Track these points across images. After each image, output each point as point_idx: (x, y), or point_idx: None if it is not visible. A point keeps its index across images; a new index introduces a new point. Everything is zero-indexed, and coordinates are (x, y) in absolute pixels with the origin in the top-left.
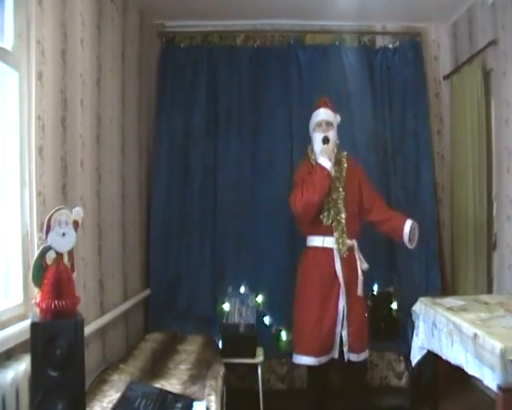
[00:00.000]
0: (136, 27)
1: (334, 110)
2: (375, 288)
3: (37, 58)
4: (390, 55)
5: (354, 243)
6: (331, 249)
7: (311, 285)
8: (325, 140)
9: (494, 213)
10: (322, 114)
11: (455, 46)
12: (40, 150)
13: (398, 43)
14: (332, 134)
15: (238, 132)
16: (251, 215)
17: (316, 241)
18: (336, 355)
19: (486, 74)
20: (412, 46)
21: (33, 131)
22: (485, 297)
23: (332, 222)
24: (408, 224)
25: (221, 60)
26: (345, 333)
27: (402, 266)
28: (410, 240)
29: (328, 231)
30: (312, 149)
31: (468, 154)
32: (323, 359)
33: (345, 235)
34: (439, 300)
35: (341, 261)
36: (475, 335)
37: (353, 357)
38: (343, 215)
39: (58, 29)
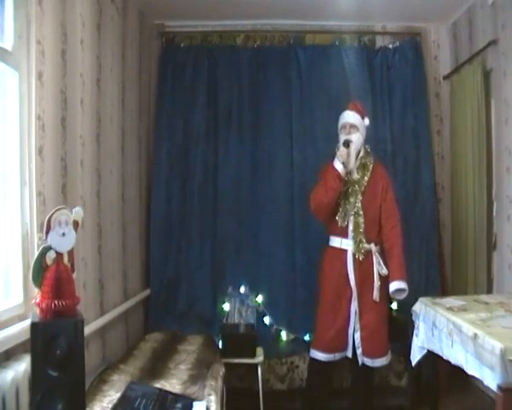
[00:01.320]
0: (136, 27)
1: (363, 114)
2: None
3: (37, 58)
4: (390, 55)
5: (372, 246)
6: (346, 251)
7: (327, 284)
8: (345, 143)
9: (494, 213)
10: (347, 116)
11: (455, 46)
12: (40, 150)
13: (398, 43)
14: (355, 137)
15: (238, 132)
16: (251, 215)
17: (332, 241)
18: (350, 354)
19: (486, 74)
20: (412, 46)
21: (33, 131)
22: (485, 297)
23: (348, 224)
24: (394, 286)
25: (221, 60)
26: (357, 336)
27: None
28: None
29: (343, 233)
30: (337, 150)
31: (468, 154)
32: (336, 356)
33: (364, 239)
34: (439, 300)
35: (355, 264)
36: (475, 335)
37: (368, 362)
38: (362, 219)
39: (58, 29)
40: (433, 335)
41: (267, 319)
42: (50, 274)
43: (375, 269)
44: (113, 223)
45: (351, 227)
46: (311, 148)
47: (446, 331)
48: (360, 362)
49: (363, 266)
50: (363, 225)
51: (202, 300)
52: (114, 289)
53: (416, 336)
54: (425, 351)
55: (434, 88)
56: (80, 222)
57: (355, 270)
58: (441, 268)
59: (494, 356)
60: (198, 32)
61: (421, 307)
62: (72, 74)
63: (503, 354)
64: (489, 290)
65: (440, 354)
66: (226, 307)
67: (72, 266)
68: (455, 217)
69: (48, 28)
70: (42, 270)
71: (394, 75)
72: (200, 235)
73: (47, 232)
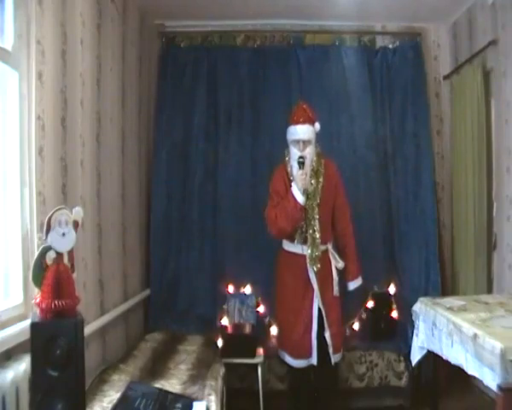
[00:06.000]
0: (136, 27)
1: (313, 120)
2: (375, 288)
3: (37, 58)
4: (390, 55)
5: (328, 246)
6: (304, 255)
7: (285, 288)
8: (300, 164)
9: (494, 213)
10: (301, 133)
11: (455, 46)
12: (40, 150)
13: (398, 43)
14: (309, 151)
15: (238, 132)
16: (251, 215)
17: (289, 246)
18: (315, 362)
19: (486, 74)
20: (412, 46)
21: (33, 131)
22: (485, 297)
23: (305, 239)
24: (352, 285)
25: (221, 60)
26: (328, 335)
27: (402, 266)
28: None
29: (301, 241)
30: (289, 157)
31: (468, 154)
32: (301, 363)
33: (319, 252)
34: (439, 300)
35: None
36: (475, 335)
37: (336, 358)
38: (318, 235)
39: (58, 29)
40: (433, 335)
41: (267, 319)
42: (50, 274)
43: (332, 266)
44: (113, 223)
45: (309, 242)
46: None
47: (446, 331)
48: (333, 361)
49: (322, 265)
50: (318, 241)
51: (202, 300)
52: (114, 289)
53: (416, 336)
54: (425, 351)
55: (434, 88)
56: (80, 222)
57: (315, 271)
58: (441, 268)
59: (494, 356)
60: (198, 32)
61: (421, 307)
62: (72, 74)
63: (503, 354)
64: (489, 290)
65: (440, 354)
66: (226, 306)
67: (73, 266)
68: (455, 217)
69: (48, 28)
70: (42, 270)
71: (394, 75)
72: (200, 235)
73: (47, 232)
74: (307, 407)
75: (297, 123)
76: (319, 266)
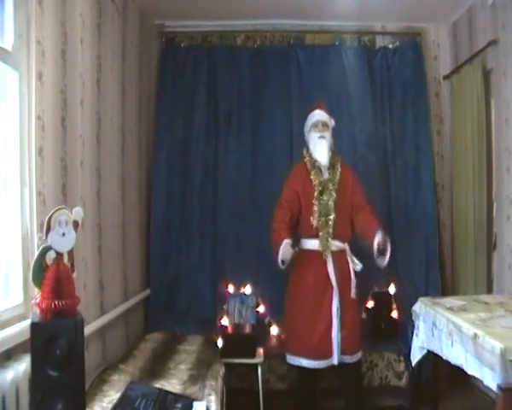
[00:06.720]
0: (136, 27)
1: (330, 114)
2: (375, 288)
3: (37, 58)
4: (390, 55)
5: (346, 246)
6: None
7: (304, 288)
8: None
9: (494, 213)
10: (318, 114)
11: (455, 46)
12: (40, 150)
13: (398, 43)
14: (328, 135)
15: (238, 132)
16: (251, 215)
17: (308, 243)
18: (336, 362)
19: (486, 74)
20: (412, 46)
21: (33, 131)
22: (485, 297)
23: (320, 223)
24: (377, 237)
25: (221, 60)
26: (338, 337)
27: (402, 266)
28: (380, 252)
29: (317, 234)
30: (308, 150)
31: (468, 154)
32: (321, 363)
33: (330, 237)
34: (439, 300)
35: (334, 263)
36: (475, 335)
37: (347, 359)
38: (331, 217)
39: (58, 29)
40: (433, 335)
41: (267, 319)
42: (50, 274)
43: (350, 267)
44: (113, 223)
45: (321, 225)
46: None
47: (446, 331)
48: (338, 361)
49: (341, 265)
50: (332, 223)
51: (202, 300)
52: (114, 289)
53: (416, 336)
54: (425, 351)
55: (434, 88)
56: (80, 222)
57: (335, 269)
58: (441, 268)
59: (494, 356)
60: (198, 32)
61: (421, 307)
62: (72, 74)
63: (503, 354)
64: (489, 290)
65: (440, 354)
66: (226, 306)
67: (73, 266)
68: (455, 217)
69: (48, 28)
70: (42, 270)
71: (394, 75)
72: (200, 235)
73: (47, 232)
74: (308, 407)
75: (315, 109)
76: (328, 253)
